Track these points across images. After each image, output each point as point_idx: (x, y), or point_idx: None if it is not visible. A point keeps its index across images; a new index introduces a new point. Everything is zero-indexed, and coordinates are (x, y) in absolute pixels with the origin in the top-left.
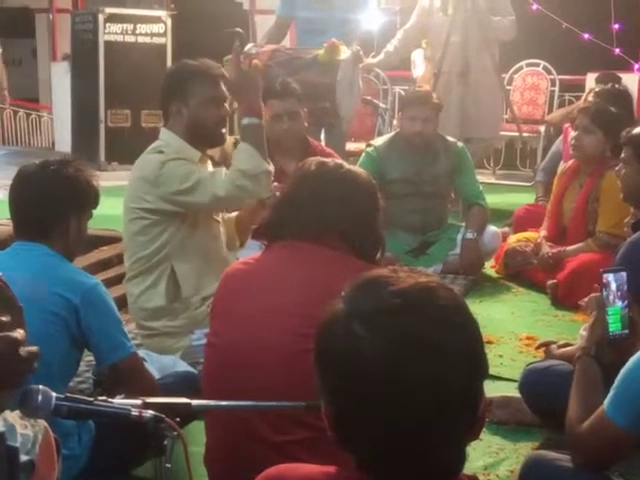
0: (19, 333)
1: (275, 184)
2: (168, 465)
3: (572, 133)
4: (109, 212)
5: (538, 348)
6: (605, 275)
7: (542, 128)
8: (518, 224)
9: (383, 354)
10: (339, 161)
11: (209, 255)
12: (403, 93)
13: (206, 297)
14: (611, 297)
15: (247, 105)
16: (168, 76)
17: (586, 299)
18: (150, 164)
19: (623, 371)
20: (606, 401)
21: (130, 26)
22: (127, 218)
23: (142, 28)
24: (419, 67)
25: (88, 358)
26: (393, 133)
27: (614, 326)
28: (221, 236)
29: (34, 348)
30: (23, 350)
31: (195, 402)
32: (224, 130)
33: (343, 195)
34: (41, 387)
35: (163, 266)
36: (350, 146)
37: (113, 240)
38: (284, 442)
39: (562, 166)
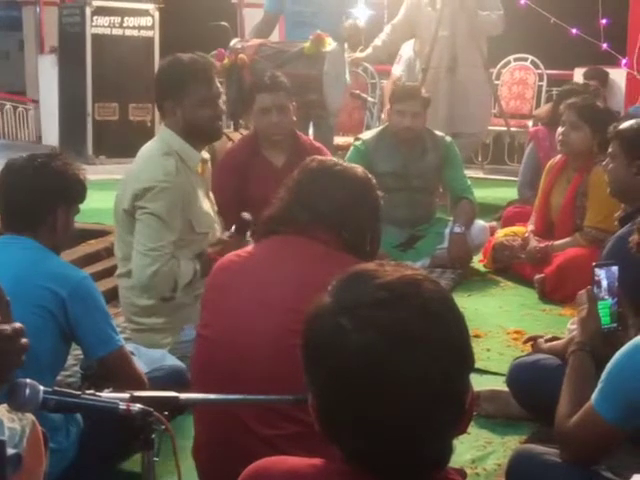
0: (10, 327)
1: (246, 215)
2: (156, 459)
3: (559, 129)
4: (97, 206)
5: (526, 342)
6: (597, 270)
7: (530, 123)
8: (507, 222)
9: (369, 347)
10: (343, 162)
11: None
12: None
13: (198, 295)
14: (602, 292)
15: None
16: (161, 73)
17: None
18: (153, 175)
19: (609, 365)
20: (593, 395)
21: (117, 19)
22: (122, 209)
23: (130, 21)
24: (400, 66)
25: (76, 352)
26: (381, 127)
27: (604, 320)
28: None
29: (23, 341)
30: (13, 344)
31: (183, 395)
32: (220, 123)
33: (344, 194)
34: (29, 381)
35: None
36: (338, 140)
37: (101, 234)
38: (274, 436)
39: (550, 162)
